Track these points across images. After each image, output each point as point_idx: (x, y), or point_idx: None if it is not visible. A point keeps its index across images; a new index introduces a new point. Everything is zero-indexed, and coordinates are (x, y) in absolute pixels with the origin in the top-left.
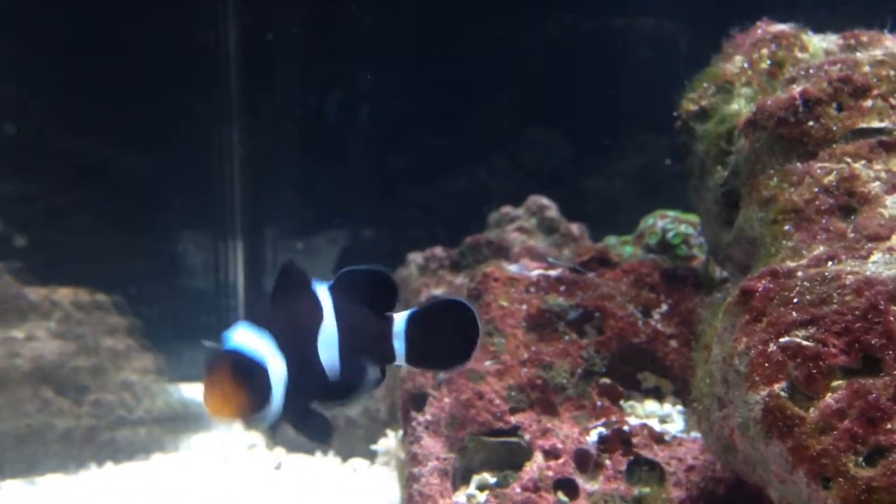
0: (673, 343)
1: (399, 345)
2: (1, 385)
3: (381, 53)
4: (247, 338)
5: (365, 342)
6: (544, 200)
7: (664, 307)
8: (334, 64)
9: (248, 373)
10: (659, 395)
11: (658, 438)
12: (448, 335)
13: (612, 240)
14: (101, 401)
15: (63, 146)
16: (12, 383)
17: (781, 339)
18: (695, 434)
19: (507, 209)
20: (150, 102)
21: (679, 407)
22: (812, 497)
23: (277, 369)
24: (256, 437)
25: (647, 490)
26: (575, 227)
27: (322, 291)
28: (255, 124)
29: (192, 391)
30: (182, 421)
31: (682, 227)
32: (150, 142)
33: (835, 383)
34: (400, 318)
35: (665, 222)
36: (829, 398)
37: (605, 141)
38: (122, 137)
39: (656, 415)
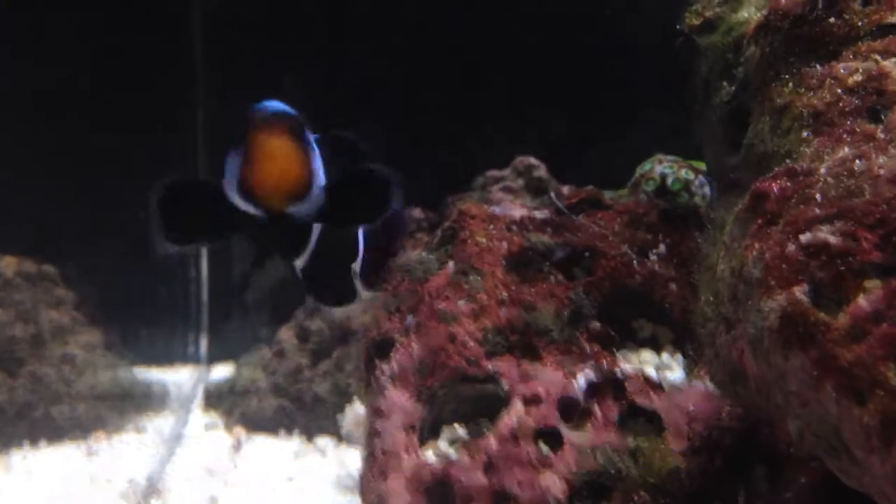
0: (672, 286)
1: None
2: None
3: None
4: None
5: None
6: (532, 160)
7: (662, 248)
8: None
9: (304, 138)
10: (656, 345)
11: (655, 385)
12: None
13: (607, 193)
14: (37, 373)
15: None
16: None
17: (802, 237)
18: (697, 382)
19: (493, 172)
20: (123, 81)
21: (679, 357)
22: (843, 416)
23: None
24: (216, 417)
25: (644, 443)
26: (566, 189)
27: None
28: (220, 106)
29: (146, 373)
30: (131, 399)
31: (683, 173)
32: (119, 119)
33: (868, 283)
34: None
35: (664, 167)
36: (861, 300)
37: (607, 117)
38: (93, 114)
39: (652, 363)
